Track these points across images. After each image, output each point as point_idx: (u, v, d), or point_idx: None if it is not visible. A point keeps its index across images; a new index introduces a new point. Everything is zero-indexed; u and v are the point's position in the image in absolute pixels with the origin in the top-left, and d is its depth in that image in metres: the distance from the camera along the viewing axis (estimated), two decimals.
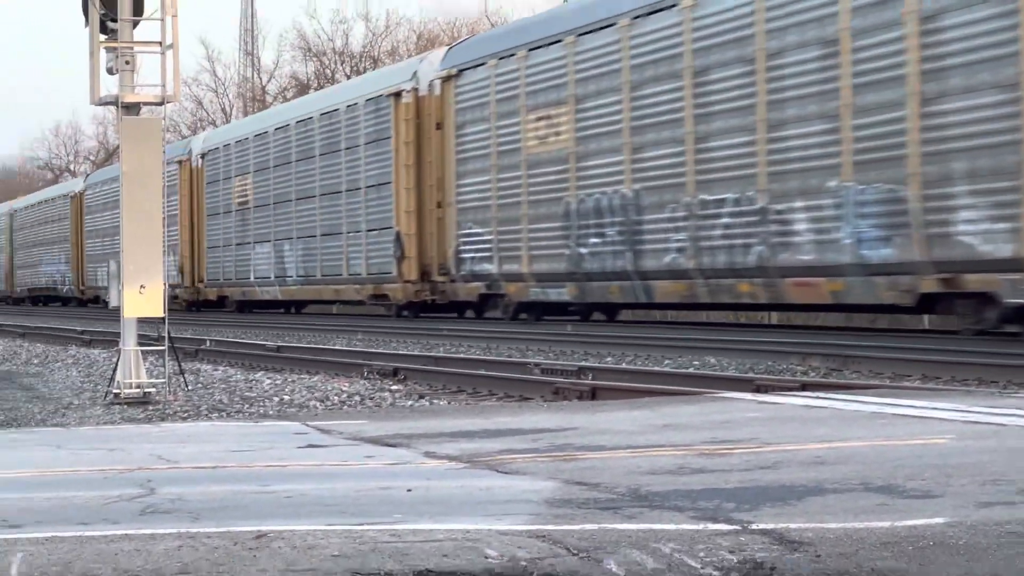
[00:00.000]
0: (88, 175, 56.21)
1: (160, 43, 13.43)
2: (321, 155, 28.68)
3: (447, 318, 26.53)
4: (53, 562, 4.39)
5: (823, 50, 17.04)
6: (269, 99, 60.34)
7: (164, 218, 13.83)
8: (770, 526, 4.69)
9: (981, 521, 4.63)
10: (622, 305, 21.52)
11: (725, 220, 17.33)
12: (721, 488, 5.68)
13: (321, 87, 50.88)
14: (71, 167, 79.39)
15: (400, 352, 20.39)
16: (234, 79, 67.22)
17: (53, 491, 6.24)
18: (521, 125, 21.28)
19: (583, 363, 15.54)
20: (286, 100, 52.66)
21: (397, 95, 25.47)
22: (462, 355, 19.64)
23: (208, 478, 6.67)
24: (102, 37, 13.41)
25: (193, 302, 37.70)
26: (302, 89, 56.15)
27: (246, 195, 33.16)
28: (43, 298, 57.46)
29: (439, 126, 23.89)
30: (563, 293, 20.95)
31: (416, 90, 24.91)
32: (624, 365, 16.08)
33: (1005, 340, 17.15)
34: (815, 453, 6.81)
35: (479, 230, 22.52)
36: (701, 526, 4.74)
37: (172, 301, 35.90)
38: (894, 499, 5.24)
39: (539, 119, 20.84)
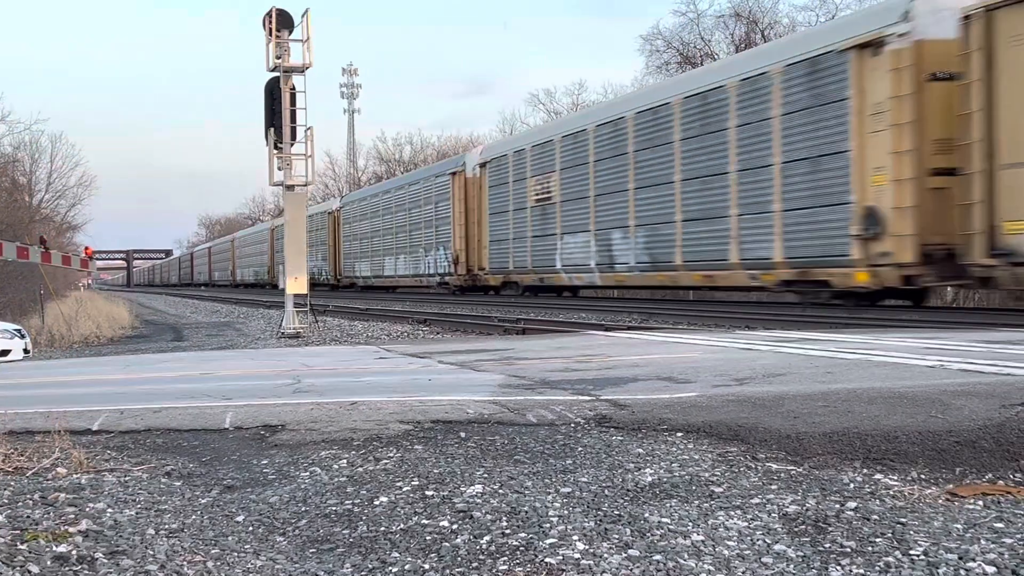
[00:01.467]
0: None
1: (305, 155, 16.37)
2: (684, 139, 19.87)
3: (893, 306, 17.18)
4: (247, 416, 5.21)
5: None
6: (362, 184, 72.16)
7: (307, 243, 16.62)
8: (610, 397, 5.42)
9: (714, 394, 5.41)
10: None
11: None
12: (586, 378, 6.38)
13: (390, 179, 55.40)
14: (261, 218, 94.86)
15: (427, 310, 22.26)
16: (343, 173, 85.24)
17: (248, 381, 7.19)
18: None
19: (519, 316, 17.49)
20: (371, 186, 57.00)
21: (869, 45, 14.93)
22: (458, 312, 21.52)
23: (328, 374, 7.51)
24: (275, 151, 16.20)
25: (466, 287, 32.16)
26: (379, 179, 66.17)
27: (550, 192, 26.29)
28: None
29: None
30: None
31: (909, 34, 14.45)
32: (539, 317, 17.17)
33: (735, 303, 18.70)
34: (633, 361, 7.66)
35: None
36: (576, 397, 5.50)
37: (442, 287, 33.59)
38: (671, 383, 5.99)
39: None
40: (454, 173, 32.83)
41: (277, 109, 16.28)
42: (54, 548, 3.12)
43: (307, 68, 16.40)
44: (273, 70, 16.42)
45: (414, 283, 37.23)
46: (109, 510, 3.59)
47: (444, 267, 33.26)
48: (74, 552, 3.09)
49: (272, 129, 16.22)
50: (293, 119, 16.35)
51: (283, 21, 16.36)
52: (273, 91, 16.43)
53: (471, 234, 31.83)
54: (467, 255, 32.06)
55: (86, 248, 27.67)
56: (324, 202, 58.64)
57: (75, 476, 4.08)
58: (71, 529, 3.31)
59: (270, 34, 16.35)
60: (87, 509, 3.59)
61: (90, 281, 71.02)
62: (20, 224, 37.35)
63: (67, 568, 2.97)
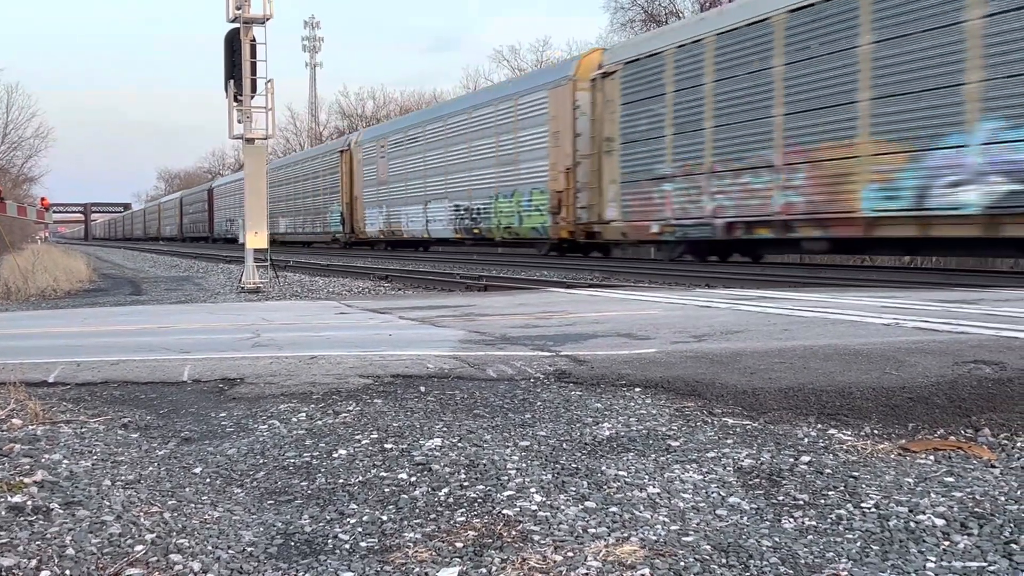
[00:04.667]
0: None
1: (265, 107, 16.18)
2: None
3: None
4: (205, 369, 5.22)
5: None
6: (324, 139, 72.25)
7: (266, 198, 16.35)
8: (569, 353, 5.45)
9: (673, 351, 5.40)
10: None
11: None
12: (546, 334, 6.39)
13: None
14: (221, 172, 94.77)
15: (389, 267, 21.71)
16: (305, 128, 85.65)
17: (207, 335, 7.10)
18: None
19: (481, 273, 17.60)
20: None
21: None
22: (420, 268, 21.22)
23: (287, 328, 7.39)
24: (235, 104, 16.00)
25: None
26: (341, 134, 65.53)
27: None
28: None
29: None
30: None
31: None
32: (501, 274, 17.91)
33: (689, 263, 19.34)
34: (593, 318, 7.57)
35: None
36: (535, 353, 5.50)
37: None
38: (631, 340, 5.99)
39: None
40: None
41: (237, 61, 16.04)
42: (9, 499, 3.09)
43: (268, 19, 16.14)
44: (233, 21, 16.13)
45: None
46: (65, 461, 3.55)
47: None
48: (29, 502, 3.07)
49: (232, 81, 15.98)
50: (253, 71, 16.12)
51: None
52: (233, 42, 16.16)
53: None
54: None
55: (42, 199, 27.20)
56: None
57: (31, 427, 4.03)
58: (26, 480, 3.27)
59: None
60: (43, 460, 3.55)
61: (47, 234, 70.11)
62: None
63: (22, 518, 2.94)
